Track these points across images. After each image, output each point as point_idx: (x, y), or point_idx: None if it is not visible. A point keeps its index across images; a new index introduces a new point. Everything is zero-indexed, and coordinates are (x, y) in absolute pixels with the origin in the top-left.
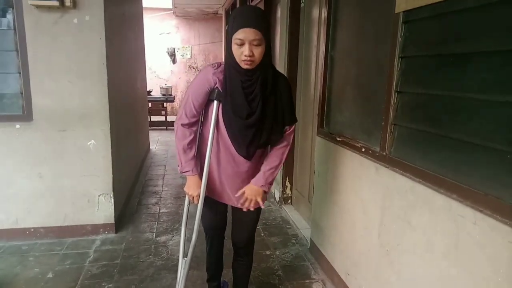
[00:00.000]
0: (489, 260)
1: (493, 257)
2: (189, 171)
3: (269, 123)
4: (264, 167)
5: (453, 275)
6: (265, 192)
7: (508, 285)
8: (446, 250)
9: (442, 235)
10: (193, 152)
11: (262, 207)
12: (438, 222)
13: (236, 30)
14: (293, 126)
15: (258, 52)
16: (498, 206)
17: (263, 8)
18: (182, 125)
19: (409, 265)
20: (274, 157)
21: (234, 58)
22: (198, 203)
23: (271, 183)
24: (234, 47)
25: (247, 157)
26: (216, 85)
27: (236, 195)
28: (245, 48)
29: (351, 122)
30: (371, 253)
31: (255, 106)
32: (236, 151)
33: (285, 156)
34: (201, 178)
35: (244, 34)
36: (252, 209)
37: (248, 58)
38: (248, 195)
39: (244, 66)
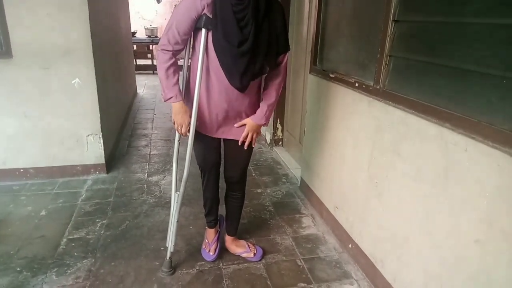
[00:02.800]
0: (476, 184)
1: (481, 181)
2: (172, 97)
3: (263, 51)
4: (263, 105)
5: (440, 202)
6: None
7: (493, 207)
8: (434, 178)
9: (432, 164)
10: (176, 77)
11: (254, 146)
12: (428, 152)
13: None
14: (286, 56)
15: None
16: (490, 132)
17: None
18: (163, 50)
19: (396, 195)
20: (272, 93)
21: None
22: (187, 134)
23: (269, 118)
24: None
25: (241, 88)
26: (204, 11)
27: (236, 125)
28: None
29: (345, 58)
30: (360, 186)
31: (248, 33)
32: (229, 82)
33: (280, 90)
34: (187, 105)
35: None
36: (246, 147)
37: None
38: (249, 130)
39: None
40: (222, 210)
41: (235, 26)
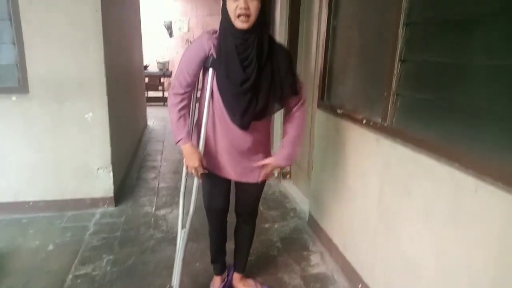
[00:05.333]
0: (488, 227)
1: (492, 224)
2: (181, 139)
3: (265, 91)
4: (287, 146)
5: (451, 242)
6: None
7: (506, 250)
8: (446, 218)
9: (442, 204)
10: (186, 120)
11: (273, 175)
12: (438, 191)
13: None
14: (302, 99)
15: (253, 6)
16: (500, 173)
17: None
18: (175, 94)
19: (407, 234)
20: (292, 137)
21: (229, 19)
22: (199, 177)
23: (293, 158)
24: (229, 3)
25: (242, 126)
26: (211, 52)
27: (255, 165)
28: (240, 1)
29: (352, 94)
30: (370, 224)
31: (250, 72)
32: (231, 119)
33: (302, 126)
34: (197, 147)
35: None
36: (265, 178)
37: (244, 11)
38: (270, 168)
39: (240, 24)
40: (231, 245)
41: (238, 65)
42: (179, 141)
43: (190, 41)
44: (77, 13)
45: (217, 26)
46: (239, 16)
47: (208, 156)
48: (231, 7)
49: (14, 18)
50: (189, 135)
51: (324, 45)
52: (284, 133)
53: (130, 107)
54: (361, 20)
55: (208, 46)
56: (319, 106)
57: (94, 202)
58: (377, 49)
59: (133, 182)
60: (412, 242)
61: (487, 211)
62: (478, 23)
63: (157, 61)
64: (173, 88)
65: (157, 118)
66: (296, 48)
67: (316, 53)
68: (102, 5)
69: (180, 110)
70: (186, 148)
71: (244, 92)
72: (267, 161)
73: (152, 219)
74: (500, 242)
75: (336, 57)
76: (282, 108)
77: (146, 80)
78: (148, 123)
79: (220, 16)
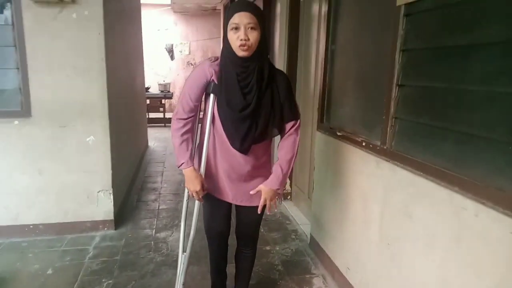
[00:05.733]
0: (490, 252)
1: (494, 249)
2: (183, 163)
3: (265, 116)
4: (277, 170)
5: (454, 267)
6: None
7: (510, 276)
8: (447, 242)
9: (443, 228)
10: (189, 145)
11: (276, 210)
12: (439, 215)
13: (232, 15)
14: (298, 122)
15: (253, 36)
16: (500, 198)
17: (262, 4)
18: (178, 119)
19: (409, 258)
20: (283, 163)
21: (230, 47)
22: (200, 199)
23: (284, 183)
24: (230, 34)
25: (242, 151)
26: (212, 78)
27: (251, 192)
28: (241, 32)
29: (351, 117)
30: (372, 247)
31: (251, 99)
32: (231, 144)
33: (292, 159)
34: (198, 171)
35: (239, 17)
36: (269, 213)
37: (244, 42)
38: (265, 197)
39: (241, 52)
40: (231, 269)
41: (238, 92)
42: (181, 165)
43: (191, 64)
44: (80, 39)
45: (217, 49)
46: (240, 46)
47: (209, 179)
48: (232, 38)
49: (19, 45)
50: (192, 159)
51: (323, 69)
52: (279, 153)
53: (131, 129)
54: (358, 45)
55: (209, 73)
56: (318, 128)
57: (94, 225)
58: (375, 73)
59: (133, 204)
60: (414, 265)
61: (489, 236)
62: (472, 51)
63: (159, 83)
64: (176, 114)
65: (158, 139)
66: (295, 72)
67: (315, 77)
68: (105, 30)
69: (182, 134)
70: (188, 172)
71: (244, 119)
72: (258, 188)
73: (152, 242)
74: (504, 267)
75: (335, 81)
76: (280, 133)
77: (148, 101)
78: (149, 144)
79: (220, 39)
